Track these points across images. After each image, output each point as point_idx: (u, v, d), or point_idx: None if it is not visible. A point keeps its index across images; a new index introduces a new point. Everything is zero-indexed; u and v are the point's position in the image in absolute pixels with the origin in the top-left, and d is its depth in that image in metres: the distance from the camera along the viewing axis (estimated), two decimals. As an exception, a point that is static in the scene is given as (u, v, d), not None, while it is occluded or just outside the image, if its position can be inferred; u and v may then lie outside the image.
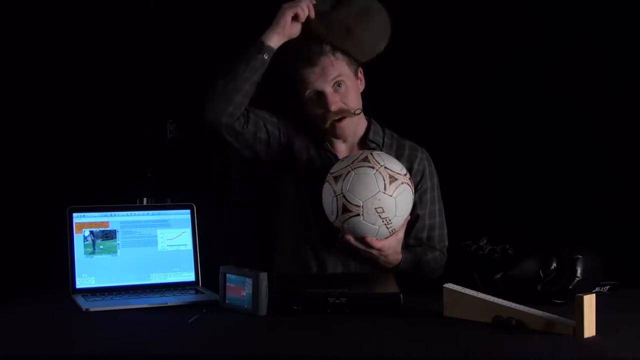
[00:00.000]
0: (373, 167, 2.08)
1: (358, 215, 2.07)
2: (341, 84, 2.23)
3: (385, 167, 2.09)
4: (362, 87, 2.31)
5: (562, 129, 2.85)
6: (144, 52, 2.87)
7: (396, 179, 2.09)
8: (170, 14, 2.88)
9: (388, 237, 2.13)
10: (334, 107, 2.22)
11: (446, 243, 2.35)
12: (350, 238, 2.11)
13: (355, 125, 2.30)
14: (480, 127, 2.91)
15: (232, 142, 2.26)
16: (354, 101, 2.26)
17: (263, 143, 2.29)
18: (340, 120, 2.24)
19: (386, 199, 2.07)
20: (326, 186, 2.14)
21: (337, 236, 2.17)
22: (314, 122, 2.28)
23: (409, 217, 2.20)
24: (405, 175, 2.13)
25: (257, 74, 2.18)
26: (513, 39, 2.87)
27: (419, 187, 2.32)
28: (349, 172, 2.09)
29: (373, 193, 2.06)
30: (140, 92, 2.86)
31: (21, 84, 2.86)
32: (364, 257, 2.18)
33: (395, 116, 2.56)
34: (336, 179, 2.10)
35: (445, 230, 2.36)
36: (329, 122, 2.24)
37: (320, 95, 2.22)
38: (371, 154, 2.13)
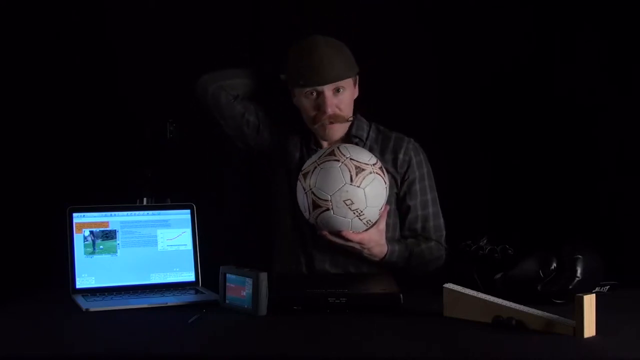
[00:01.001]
0: (338, 160, 2.08)
1: (328, 209, 2.07)
2: (340, 89, 2.24)
3: (350, 159, 2.09)
4: (356, 95, 2.32)
5: (562, 129, 2.85)
6: (144, 52, 2.87)
7: (363, 170, 2.08)
8: (171, 14, 2.88)
9: (366, 229, 2.13)
10: (330, 111, 2.23)
11: (443, 233, 2.35)
12: (326, 234, 2.12)
13: (343, 130, 2.32)
14: (480, 127, 2.90)
15: (218, 118, 2.34)
16: (348, 108, 2.29)
17: (252, 127, 2.33)
18: (331, 123, 2.25)
19: (354, 190, 2.06)
20: (298, 184, 2.15)
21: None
22: (304, 118, 2.30)
23: (388, 207, 2.19)
24: (374, 165, 2.12)
25: (256, 82, 2.35)
26: (513, 39, 2.87)
27: (406, 177, 2.32)
28: (315, 167, 2.10)
29: (339, 186, 2.06)
30: (140, 92, 2.86)
31: (21, 84, 2.85)
32: (349, 251, 2.18)
33: (396, 116, 2.55)
34: (305, 175, 2.12)
35: (442, 220, 2.36)
36: (319, 124, 2.25)
37: (319, 96, 2.23)
38: (338, 147, 2.13)
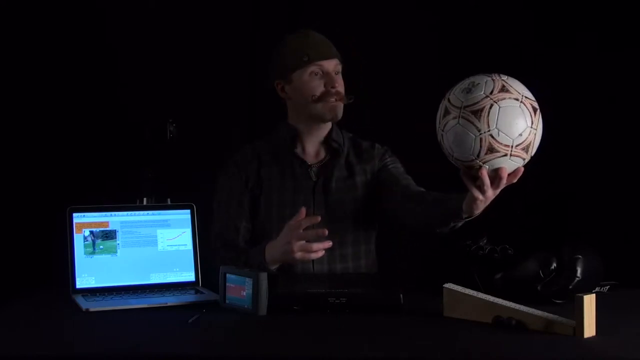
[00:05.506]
0: (517, 99, 1.82)
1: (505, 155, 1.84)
2: (338, 73, 2.27)
3: (525, 97, 1.83)
4: None
5: (562, 128, 2.85)
6: (144, 53, 2.88)
7: (537, 109, 1.84)
8: (170, 14, 2.89)
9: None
10: (338, 86, 2.24)
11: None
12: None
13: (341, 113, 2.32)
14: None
15: None
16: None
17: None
18: (336, 100, 2.25)
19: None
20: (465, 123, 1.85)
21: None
22: (306, 101, 2.27)
23: None
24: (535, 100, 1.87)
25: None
26: (513, 39, 2.87)
27: (383, 160, 2.34)
28: (492, 104, 1.81)
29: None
30: (140, 92, 2.86)
31: (21, 85, 2.86)
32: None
33: (396, 114, 2.56)
34: (477, 113, 1.81)
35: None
36: (323, 102, 2.24)
37: (325, 75, 2.25)
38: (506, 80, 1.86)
